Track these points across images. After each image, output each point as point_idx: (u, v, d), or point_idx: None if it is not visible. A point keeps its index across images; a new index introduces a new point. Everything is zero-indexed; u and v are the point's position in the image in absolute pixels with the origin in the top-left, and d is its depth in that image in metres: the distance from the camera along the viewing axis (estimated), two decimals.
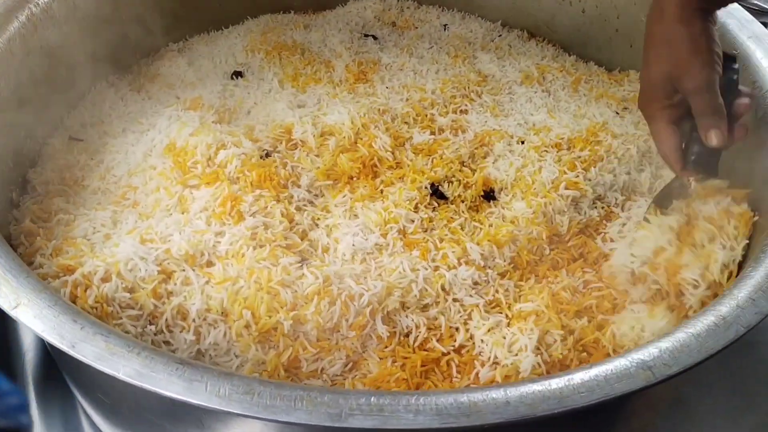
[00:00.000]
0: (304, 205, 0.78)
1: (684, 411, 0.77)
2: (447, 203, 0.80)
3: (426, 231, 0.77)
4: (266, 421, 0.46)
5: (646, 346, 0.50)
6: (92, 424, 0.74)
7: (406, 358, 0.67)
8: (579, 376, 0.48)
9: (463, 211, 0.80)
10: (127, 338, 0.49)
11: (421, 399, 0.46)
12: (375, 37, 1.06)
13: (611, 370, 0.48)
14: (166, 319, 0.65)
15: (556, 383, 0.47)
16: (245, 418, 0.49)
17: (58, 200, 0.77)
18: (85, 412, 0.75)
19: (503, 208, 0.80)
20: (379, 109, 0.88)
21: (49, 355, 0.80)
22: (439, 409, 0.46)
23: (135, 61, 1.02)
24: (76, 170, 0.82)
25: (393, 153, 0.83)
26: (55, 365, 0.78)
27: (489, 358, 0.67)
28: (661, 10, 0.69)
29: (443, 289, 0.72)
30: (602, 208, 0.81)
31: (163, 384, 0.46)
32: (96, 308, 0.62)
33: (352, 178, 0.81)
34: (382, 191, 0.80)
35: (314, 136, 0.82)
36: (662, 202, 0.76)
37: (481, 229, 0.78)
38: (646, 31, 0.72)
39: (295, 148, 0.83)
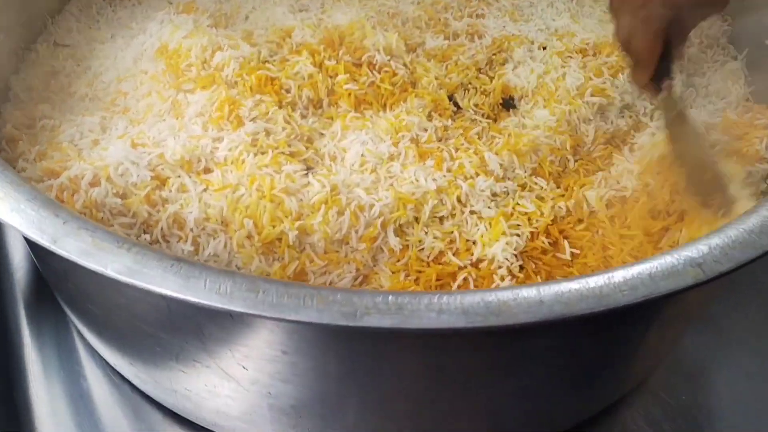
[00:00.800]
0: (310, 112, 0.72)
1: (712, 328, 0.73)
2: (463, 112, 0.74)
3: (441, 140, 0.72)
4: (273, 321, 0.41)
5: (694, 242, 0.45)
6: (86, 343, 0.70)
7: (420, 272, 0.62)
8: (620, 274, 0.43)
9: (480, 120, 0.74)
10: (116, 234, 0.44)
11: (445, 298, 0.41)
12: None
13: (657, 268, 0.43)
14: (162, 228, 0.60)
15: (594, 281, 0.42)
16: (250, 319, 0.44)
17: (43, 106, 0.71)
18: (78, 332, 0.71)
19: (524, 116, 0.74)
20: (388, 12, 0.81)
21: (39, 274, 0.76)
22: (465, 308, 0.41)
23: None
24: (61, 77, 0.76)
25: (404, 59, 0.77)
26: (46, 285, 0.74)
27: (509, 271, 0.62)
28: None
29: (459, 201, 0.66)
30: (630, 117, 0.75)
31: (157, 281, 0.41)
32: (85, 214, 0.57)
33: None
34: (393, 99, 0.74)
35: (318, 39, 0.76)
36: None
37: (500, 138, 0.72)
38: None
39: (299, 54, 0.76)
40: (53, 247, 0.42)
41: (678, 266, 0.43)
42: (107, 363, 0.68)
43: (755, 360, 0.72)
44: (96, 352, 0.69)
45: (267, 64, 0.73)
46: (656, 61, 0.65)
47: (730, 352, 0.72)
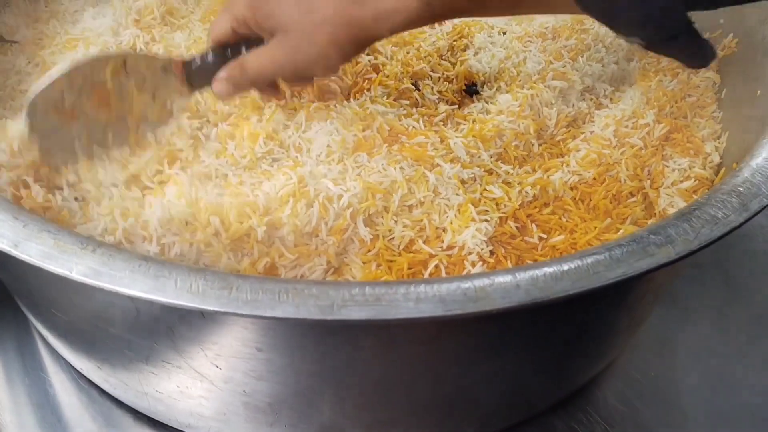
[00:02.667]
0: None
1: (677, 306, 0.75)
2: (426, 98, 0.74)
3: (406, 129, 0.71)
4: (247, 319, 0.40)
5: (663, 222, 0.45)
6: (50, 349, 0.68)
7: (391, 261, 0.62)
8: (593, 257, 0.43)
9: (444, 107, 0.74)
10: (79, 235, 0.42)
11: (422, 286, 0.41)
12: None
13: (629, 248, 0.43)
14: (124, 229, 0.58)
15: (568, 264, 0.43)
16: (223, 317, 0.43)
17: None
18: (42, 337, 0.69)
19: (487, 102, 0.74)
20: None
21: None
22: (442, 296, 0.41)
23: None
24: (12, 74, 0.73)
25: None
26: (4, 289, 0.71)
27: (479, 257, 0.62)
28: None
29: (427, 189, 0.66)
30: (591, 99, 0.76)
31: (125, 282, 0.40)
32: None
33: None
34: (356, 88, 0.73)
35: None
36: None
37: (464, 125, 0.72)
38: None
39: None
40: (15, 252, 0.41)
41: (649, 246, 0.43)
42: (73, 368, 0.66)
43: (719, 336, 0.74)
44: (61, 357, 0.67)
45: None
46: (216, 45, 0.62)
47: (695, 329, 0.74)
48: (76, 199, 0.59)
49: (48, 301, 0.55)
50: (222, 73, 0.60)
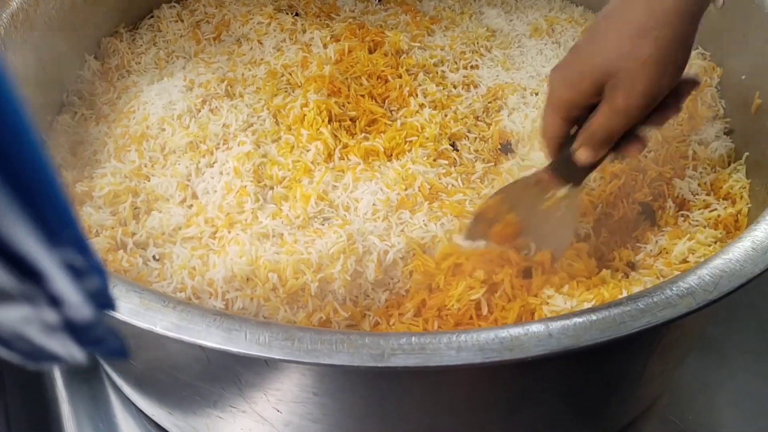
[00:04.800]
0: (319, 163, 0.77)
1: (713, 351, 0.77)
2: (464, 158, 0.80)
3: (446, 186, 0.76)
4: (309, 365, 0.45)
5: (684, 274, 0.49)
6: (121, 395, 0.74)
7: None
8: (619, 308, 0.47)
9: (481, 165, 0.79)
10: (161, 293, 0.48)
11: (462, 336, 0.46)
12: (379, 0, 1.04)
13: (652, 299, 0.47)
14: (192, 287, 0.64)
15: (596, 315, 0.47)
16: (285, 365, 0.48)
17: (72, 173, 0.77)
18: (112, 384, 0.75)
19: (522, 159, 0.79)
20: (386, 52, 0.88)
21: None
22: (481, 344, 0.45)
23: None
24: (86, 144, 0.81)
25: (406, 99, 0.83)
26: None
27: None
28: None
29: None
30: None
31: (202, 335, 0.46)
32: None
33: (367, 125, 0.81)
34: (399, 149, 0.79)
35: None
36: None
37: (498, 179, 0.77)
38: None
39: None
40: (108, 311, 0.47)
41: (672, 297, 0.47)
42: (144, 414, 0.72)
43: (756, 379, 0.76)
44: (132, 404, 0.73)
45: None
46: (554, 145, 0.62)
47: (732, 373, 0.76)
48: (154, 258, 0.66)
49: None
50: (575, 145, 0.60)
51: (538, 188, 0.66)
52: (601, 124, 0.57)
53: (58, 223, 0.23)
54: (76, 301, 0.24)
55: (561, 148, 0.62)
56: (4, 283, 0.22)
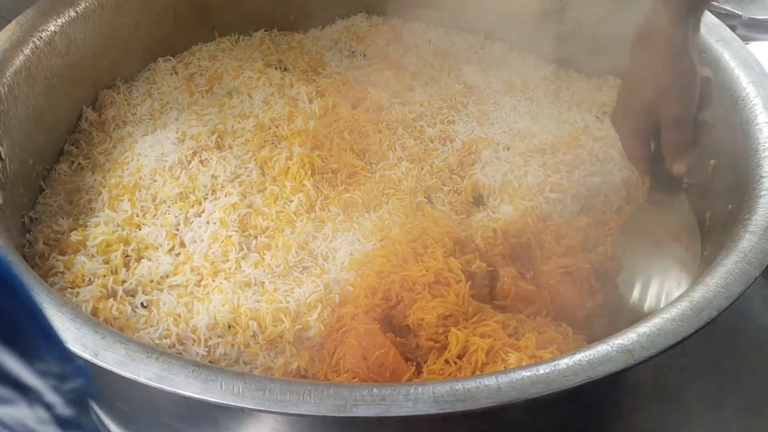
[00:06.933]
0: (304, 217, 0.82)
1: (670, 396, 0.81)
2: (437, 209, 0.84)
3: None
4: (277, 415, 0.50)
5: (624, 332, 0.54)
6: None
7: None
8: (564, 362, 0.52)
9: (454, 217, 0.84)
10: (145, 345, 0.53)
11: (420, 388, 0.50)
12: (364, 54, 1.10)
13: (594, 355, 0.52)
14: (177, 334, 0.68)
15: (543, 369, 0.51)
16: (258, 413, 0.53)
17: (68, 222, 0.81)
18: (101, 422, 0.79)
19: (492, 212, 0.84)
20: (368, 108, 0.93)
21: None
22: (437, 396, 0.50)
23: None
24: (83, 193, 0.86)
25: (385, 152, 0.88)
26: None
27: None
28: (649, 24, 0.70)
29: None
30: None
31: (181, 385, 0.50)
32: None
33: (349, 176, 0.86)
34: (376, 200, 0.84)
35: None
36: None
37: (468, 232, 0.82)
38: (633, 46, 0.72)
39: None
40: (95, 360, 0.51)
41: (611, 353, 0.52)
42: None
43: (713, 425, 0.80)
44: None
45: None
46: (644, 165, 0.75)
47: (690, 419, 0.80)
48: (143, 305, 0.70)
49: (113, 394, 0.65)
50: (668, 164, 0.73)
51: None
52: (672, 137, 0.71)
53: (40, 343, 0.29)
54: (60, 404, 0.30)
55: (649, 165, 0.75)
56: (5, 394, 0.28)
